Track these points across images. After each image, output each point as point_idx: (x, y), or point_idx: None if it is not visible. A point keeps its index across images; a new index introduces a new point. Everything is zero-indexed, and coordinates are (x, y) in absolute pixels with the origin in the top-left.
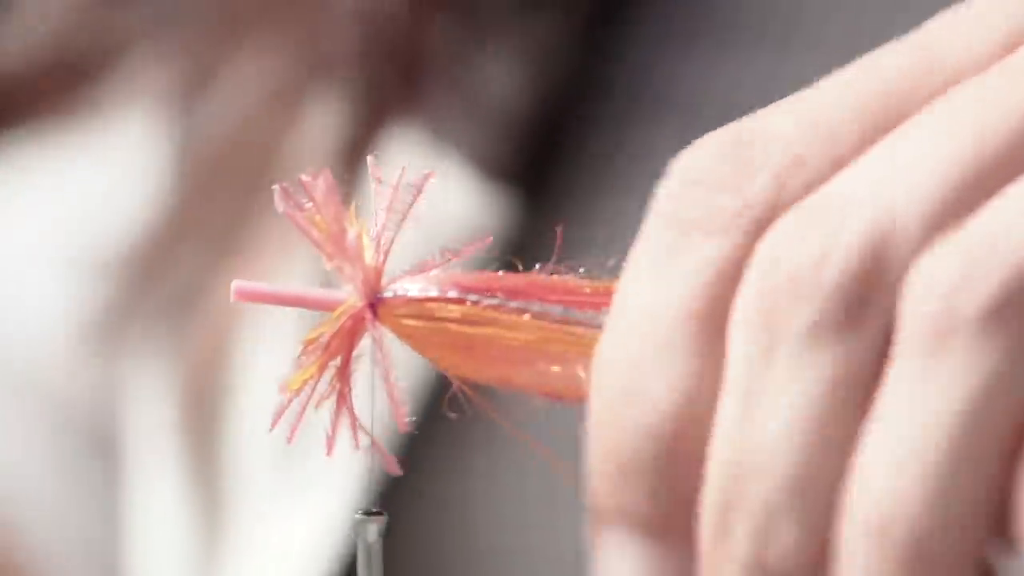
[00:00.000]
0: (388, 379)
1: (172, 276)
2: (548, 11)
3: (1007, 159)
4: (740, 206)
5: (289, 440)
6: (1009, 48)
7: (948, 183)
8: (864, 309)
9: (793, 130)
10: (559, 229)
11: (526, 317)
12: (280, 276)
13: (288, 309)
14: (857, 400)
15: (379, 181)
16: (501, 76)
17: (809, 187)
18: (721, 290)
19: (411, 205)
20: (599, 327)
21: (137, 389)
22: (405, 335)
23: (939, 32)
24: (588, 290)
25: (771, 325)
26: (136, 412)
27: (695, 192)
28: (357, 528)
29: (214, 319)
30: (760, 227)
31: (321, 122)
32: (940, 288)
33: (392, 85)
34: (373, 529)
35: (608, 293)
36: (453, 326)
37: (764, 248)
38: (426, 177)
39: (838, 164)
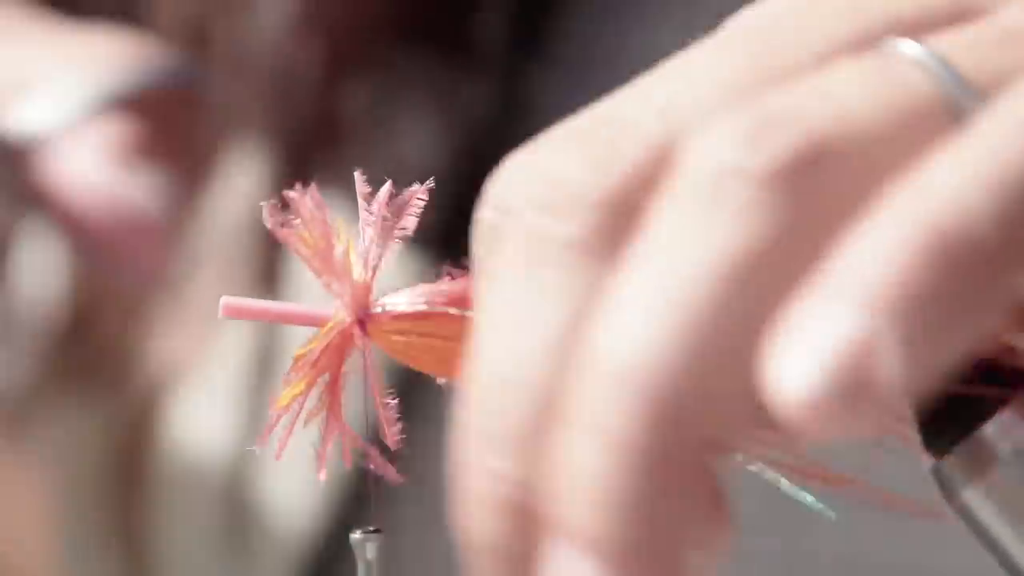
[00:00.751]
0: (377, 395)
1: (87, 345)
2: (467, 71)
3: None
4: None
5: (277, 457)
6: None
7: (735, 82)
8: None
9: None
10: None
11: None
12: (209, 344)
13: (222, 374)
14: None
15: (365, 198)
16: (420, 136)
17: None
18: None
19: (399, 221)
20: None
21: (52, 459)
22: (395, 350)
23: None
24: None
25: (533, 238)
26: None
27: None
28: (356, 547)
29: (138, 387)
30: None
31: (240, 183)
32: (725, 144)
33: (310, 145)
34: (372, 547)
35: None
36: (442, 342)
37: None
38: (415, 193)
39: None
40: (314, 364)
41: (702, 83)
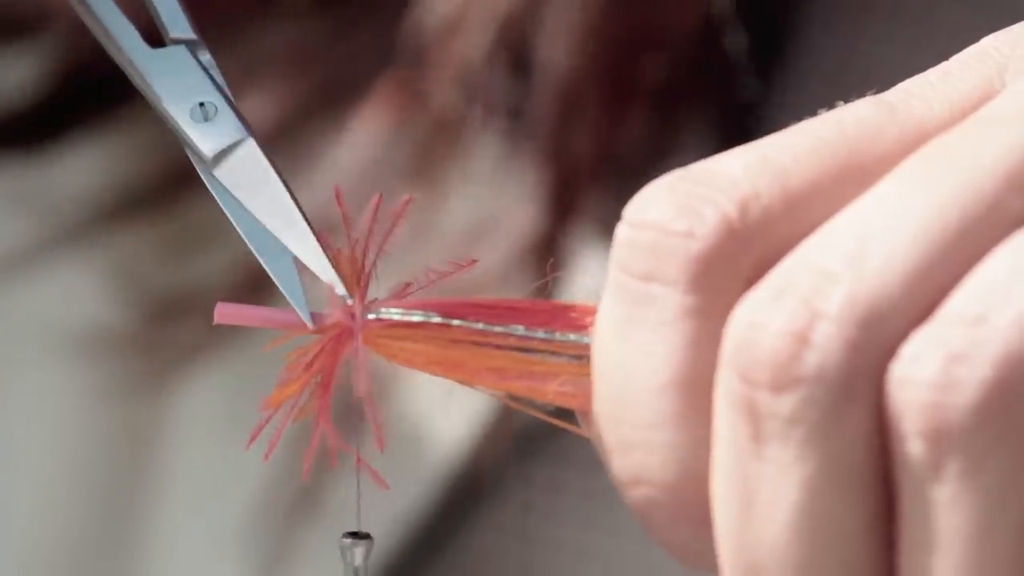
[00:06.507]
0: (368, 399)
1: None
2: (719, 84)
3: (982, 221)
4: (691, 248)
5: (265, 459)
6: (970, 109)
7: (927, 250)
8: (849, 399)
9: (741, 168)
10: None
11: (511, 340)
12: None
13: None
14: (856, 488)
15: (344, 211)
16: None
17: (766, 220)
18: (697, 353)
19: (392, 230)
20: (587, 346)
21: None
22: (389, 355)
23: (904, 90)
24: (573, 313)
25: (755, 412)
26: None
27: (646, 236)
28: (344, 551)
29: None
30: (717, 271)
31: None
32: (923, 391)
33: (584, 175)
34: (359, 552)
35: (592, 313)
36: (437, 348)
37: (739, 321)
38: (406, 203)
39: (791, 199)
40: (308, 366)
41: (896, 246)
